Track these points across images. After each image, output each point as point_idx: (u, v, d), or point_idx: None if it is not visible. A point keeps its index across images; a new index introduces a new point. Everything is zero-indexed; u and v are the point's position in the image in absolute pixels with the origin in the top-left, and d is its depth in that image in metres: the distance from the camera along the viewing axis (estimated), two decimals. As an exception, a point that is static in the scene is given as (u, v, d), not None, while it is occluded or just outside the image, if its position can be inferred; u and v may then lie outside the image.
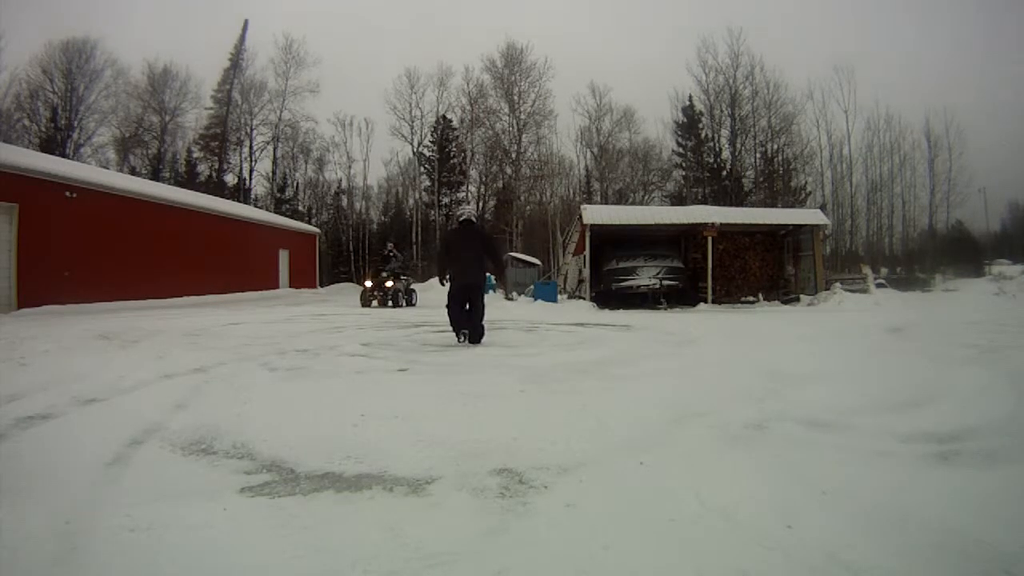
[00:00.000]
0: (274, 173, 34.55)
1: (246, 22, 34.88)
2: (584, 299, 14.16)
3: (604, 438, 2.50)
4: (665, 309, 13.08)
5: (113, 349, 5.29)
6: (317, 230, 27.35)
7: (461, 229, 6.26)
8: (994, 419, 2.82)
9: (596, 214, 14.86)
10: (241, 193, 32.70)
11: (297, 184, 35.35)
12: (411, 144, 34.48)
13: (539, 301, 13.42)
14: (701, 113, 33.36)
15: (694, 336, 6.81)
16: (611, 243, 14.63)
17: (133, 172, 29.61)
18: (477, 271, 6.05)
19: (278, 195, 34.22)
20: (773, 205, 27.12)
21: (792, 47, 45.14)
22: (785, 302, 14.46)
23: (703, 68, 32.62)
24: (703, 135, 33.31)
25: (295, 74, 34.08)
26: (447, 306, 5.96)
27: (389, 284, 13.13)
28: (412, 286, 14.63)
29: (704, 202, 25.73)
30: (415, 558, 1.46)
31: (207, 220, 18.16)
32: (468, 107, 34.01)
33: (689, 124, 33.49)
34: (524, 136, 33.26)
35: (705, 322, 9.13)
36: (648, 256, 14.00)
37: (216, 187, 31.08)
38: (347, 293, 22.46)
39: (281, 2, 45.51)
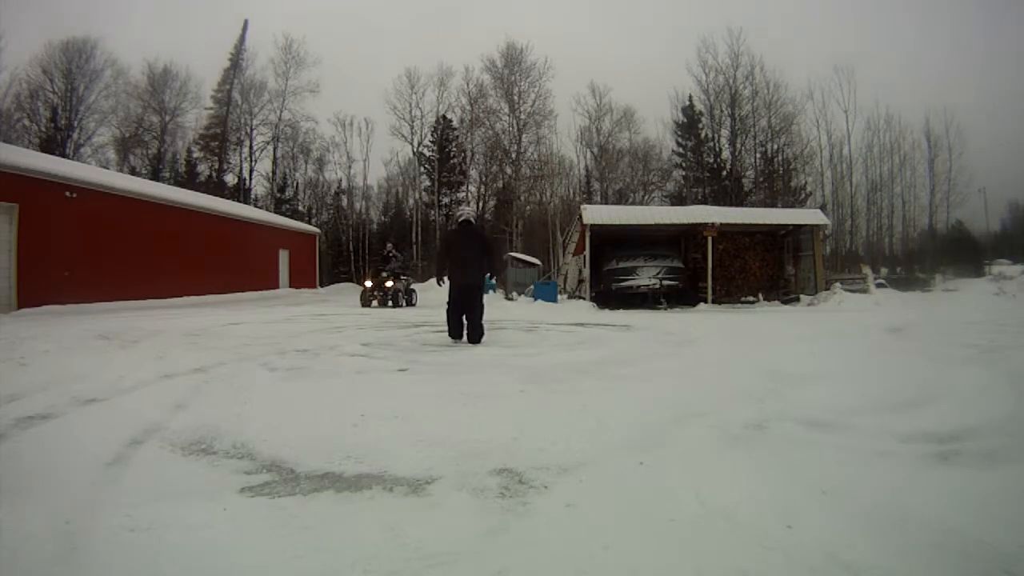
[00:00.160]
0: (274, 173, 34.58)
1: (246, 22, 34.91)
2: (584, 299, 14.14)
3: (604, 438, 2.50)
4: (665, 309, 13.06)
5: (113, 349, 5.28)
6: (317, 230, 27.32)
7: (460, 230, 6.31)
8: (994, 419, 2.82)
9: (596, 214, 14.84)
10: (241, 193, 32.67)
11: (297, 184, 35.37)
12: (411, 144, 34.50)
13: (539, 301, 13.40)
14: (701, 113, 33.35)
15: (694, 336, 6.80)
16: (611, 243, 14.62)
17: (133, 172, 29.58)
18: (476, 271, 6.09)
19: (278, 195, 34.19)
20: (773, 205, 27.08)
21: (792, 47, 45.22)
22: (785, 302, 14.44)
23: (703, 68, 32.63)
24: (703, 135, 33.28)
25: (295, 74, 34.10)
26: (447, 308, 6.01)
27: (389, 284, 13.11)
28: (412, 286, 14.61)
29: (704, 202, 25.71)
30: (415, 558, 1.47)
31: (207, 220, 18.14)
32: (468, 107, 34.01)
33: (689, 124, 33.46)
34: (524, 136, 33.22)
35: (705, 322, 9.12)
36: (648, 256, 13.98)
37: (216, 187, 31.04)
38: (347, 293, 22.44)
39: (281, 2, 45.60)
